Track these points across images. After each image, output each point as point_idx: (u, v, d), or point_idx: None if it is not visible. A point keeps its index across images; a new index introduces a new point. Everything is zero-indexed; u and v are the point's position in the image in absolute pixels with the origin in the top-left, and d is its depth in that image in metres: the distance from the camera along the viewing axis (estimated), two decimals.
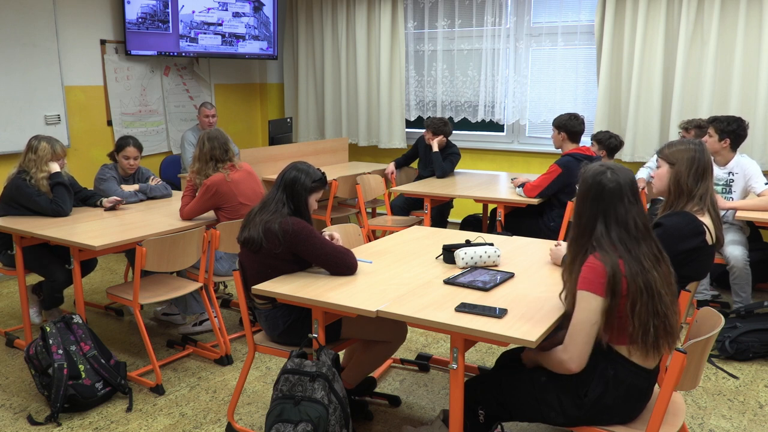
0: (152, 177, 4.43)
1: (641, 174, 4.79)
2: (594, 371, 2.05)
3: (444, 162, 5.24)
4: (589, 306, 1.97)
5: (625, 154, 5.43)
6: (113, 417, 3.03)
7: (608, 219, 2.01)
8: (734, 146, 4.08)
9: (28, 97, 5.21)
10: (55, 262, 3.73)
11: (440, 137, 5.25)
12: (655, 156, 3.00)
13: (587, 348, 2.00)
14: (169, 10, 6.07)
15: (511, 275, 2.61)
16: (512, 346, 2.16)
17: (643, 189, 4.71)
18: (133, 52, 5.92)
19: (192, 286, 3.58)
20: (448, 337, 2.27)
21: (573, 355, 2.00)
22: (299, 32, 7.09)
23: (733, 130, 4.02)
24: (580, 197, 2.09)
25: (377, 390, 3.17)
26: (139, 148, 4.27)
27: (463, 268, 2.72)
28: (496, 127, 6.32)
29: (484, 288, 2.43)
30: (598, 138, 4.73)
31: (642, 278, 1.96)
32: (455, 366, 2.16)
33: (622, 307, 1.96)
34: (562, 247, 2.73)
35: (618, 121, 5.58)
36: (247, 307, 2.72)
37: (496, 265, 2.76)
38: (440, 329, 2.18)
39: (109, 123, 5.92)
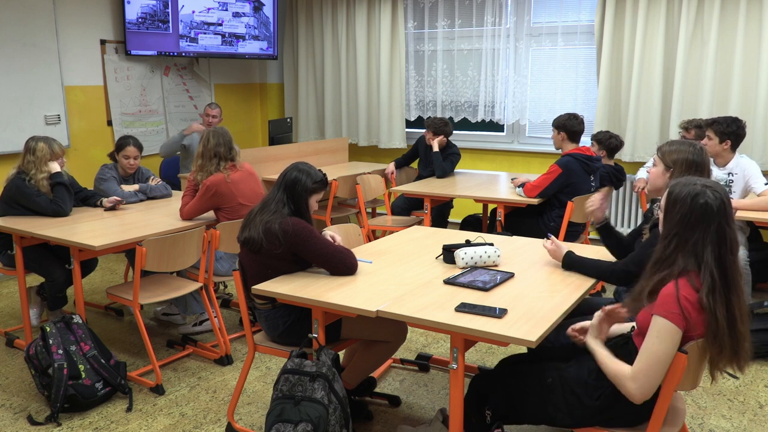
0: (152, 177, 4.43)
1: (641, 175, 4.79)
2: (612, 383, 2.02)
3: (444, 162, 5.25)
4: (670, 337, 1.84)
5: (625, 154, 5.44)
6: (113, 417, 3.03)
7: (721, 241, 1.86)
8: (734, 147, 4.07)
9: (28, 97, 5.21)
10: (55, 263, 3.73)
11: (440, 137, 5.25)
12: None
13: (660, 381, 1.88)
14: (169, 10, 6.07)
15: (511, 275, 2.61)
16: (512, 349, 2.16)
17: (643, 189, 4.71)
18: (133, 52, 5.92)
19: (192, 286, 3.58)
20: (448, 337, 2.26)
21: (645, 389, 1.88)
22: (299, 32, 7.09)
23: (732, 131, 4.00)
24: (675, 220, 1.92)
25: (377, 390, 3.17)
26: (140, 147, 4.27)
27: (463, 268, 2.72)
28: (496, 127, 6.32)
29: (484, 288, 2.43)
30: (598, 138, 4.73)
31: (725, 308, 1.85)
32: (455, 366, 2.16)
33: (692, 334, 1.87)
34: (559, 244, 2.72)
35: (618, 121, 5.58)
36: (247, 307, 2.72)
37: (496, 265, 2.76)
38: (440, 329, 2.18)
39: (109, 123, 5.92)
